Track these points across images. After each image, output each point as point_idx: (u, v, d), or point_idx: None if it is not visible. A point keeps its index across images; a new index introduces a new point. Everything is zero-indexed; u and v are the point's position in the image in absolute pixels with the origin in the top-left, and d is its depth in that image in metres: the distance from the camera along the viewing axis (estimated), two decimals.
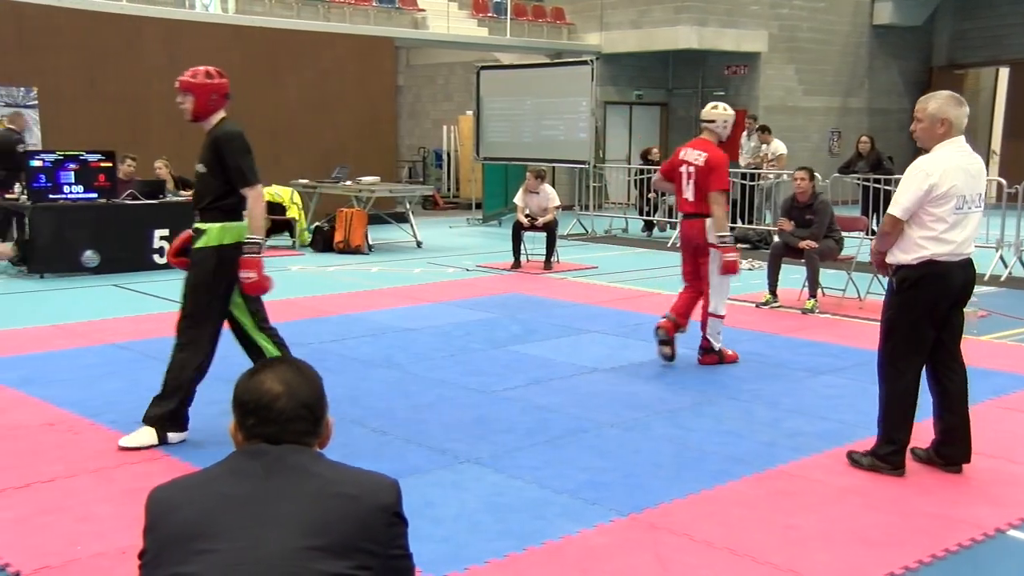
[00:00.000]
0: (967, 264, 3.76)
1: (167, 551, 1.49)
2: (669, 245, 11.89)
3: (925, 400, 3.84)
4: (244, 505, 1.51)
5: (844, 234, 7.87)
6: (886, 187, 10.17)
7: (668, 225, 12.85)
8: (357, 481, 1.60)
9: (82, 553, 3.05)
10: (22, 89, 11.62)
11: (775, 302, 7.52)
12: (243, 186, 4.03)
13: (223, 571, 1.44)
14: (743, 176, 12.41)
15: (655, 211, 12.90)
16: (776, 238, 8.04)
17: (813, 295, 7.36)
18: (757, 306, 7.52)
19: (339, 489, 1.55)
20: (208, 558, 1.46)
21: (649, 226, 13.12)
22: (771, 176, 12.24)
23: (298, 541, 1.47)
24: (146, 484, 3.64)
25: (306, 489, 1.54)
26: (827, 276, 7.83)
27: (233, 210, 4.10)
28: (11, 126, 10.56)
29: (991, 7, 19.18)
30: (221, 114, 4.13)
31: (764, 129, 12.97)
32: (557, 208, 9.91)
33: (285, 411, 1.60)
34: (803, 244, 7.37)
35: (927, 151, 3.75)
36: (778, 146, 12.81)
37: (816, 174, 7.90)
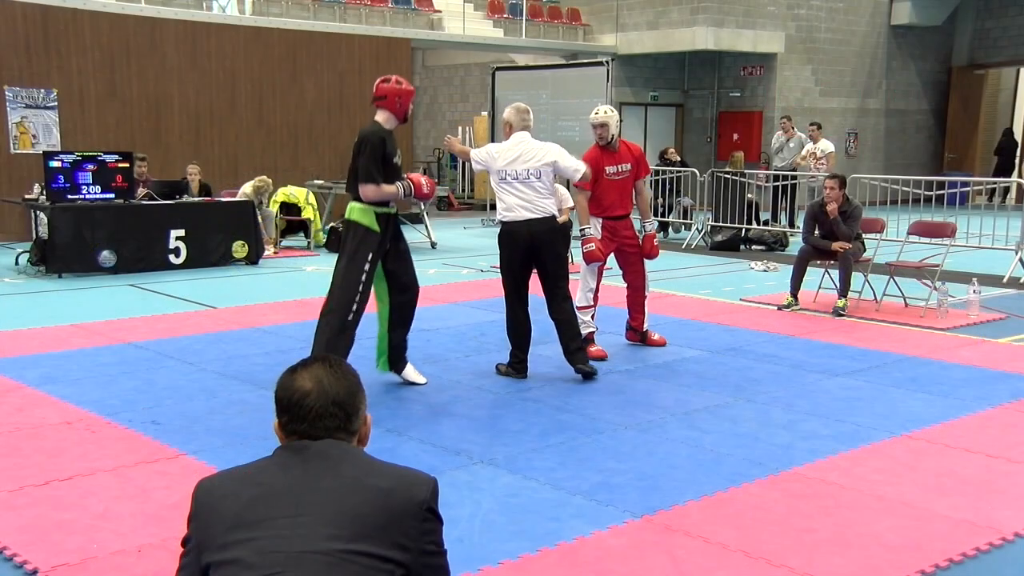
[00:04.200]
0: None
1: (210, 538, 1.56)
2: (684, 247, 11.86)
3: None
4: (284, 496, 1.57)
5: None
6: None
7: (683, 227, 12.81)
8: (393, 475, 1.65)
9: (99, 551, 3.07)
10: (42, 91, 11.72)
11: (796, 305, 7.47)
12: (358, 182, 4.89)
13: (261, 558, 1.51)
14: (774, 177, 12.39)
15: (669, 212, 12.85)
16: (800, 241, 7.93)
17: (844, 295, 7.32)
18: (779, 308, 7.49)
19: (373, 482, 1.61)
20: (248, 545, 1.53)
21: (664, 227, 13.08)
22: (820, 175, 12.08)
23: (331, 530, 1.53)
24: (163, 483, 3.69)
25: (342, 481, 1.59)
26: None
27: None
28: None
29: (1013, 6, 19.00)
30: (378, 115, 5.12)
31: (815, 126, 12.89)
32: (571, 209, 9.88)
33: (314, 408, 1.64)
34: (837, 246, 7.30)
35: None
36: (826, 145, 12.66)
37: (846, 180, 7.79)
